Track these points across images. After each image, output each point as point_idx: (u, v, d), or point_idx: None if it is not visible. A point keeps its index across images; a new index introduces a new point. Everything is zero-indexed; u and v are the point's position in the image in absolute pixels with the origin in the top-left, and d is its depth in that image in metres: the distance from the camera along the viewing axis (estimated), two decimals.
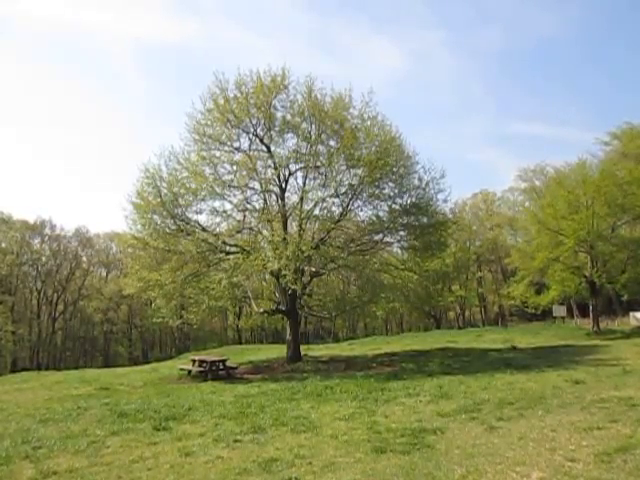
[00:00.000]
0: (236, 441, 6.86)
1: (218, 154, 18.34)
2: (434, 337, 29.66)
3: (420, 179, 18.96)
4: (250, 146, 18.51)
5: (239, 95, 17.69)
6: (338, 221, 18.39)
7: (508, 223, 49.38)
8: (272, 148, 18.54)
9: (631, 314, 32.91)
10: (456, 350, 20.19)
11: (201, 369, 15.61)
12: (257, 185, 18.33)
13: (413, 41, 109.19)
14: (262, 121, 17.98)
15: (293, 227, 19.99)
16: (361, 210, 19.28)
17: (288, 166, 18.45)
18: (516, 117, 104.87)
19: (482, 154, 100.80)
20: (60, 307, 54.59)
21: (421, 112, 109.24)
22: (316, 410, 8.89)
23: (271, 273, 17.83)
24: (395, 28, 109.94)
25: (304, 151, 18.12)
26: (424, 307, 39.77)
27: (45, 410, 10.24)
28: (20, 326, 48.66)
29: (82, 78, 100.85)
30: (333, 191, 17.72)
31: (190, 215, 17.98)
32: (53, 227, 54.94)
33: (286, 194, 18.77)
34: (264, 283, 23.15)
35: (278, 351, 23.58)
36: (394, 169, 18.11)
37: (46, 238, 54.69)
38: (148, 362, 35.49)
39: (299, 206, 17.84)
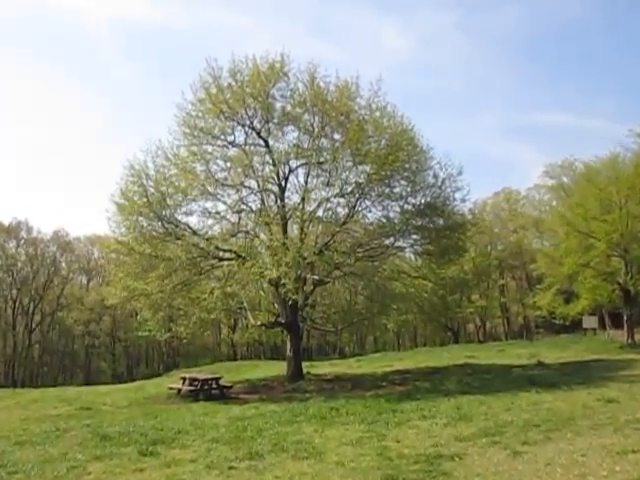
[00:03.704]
0: (231, 468, 6.85)
1: (210, 149, 18.35)
2: (451, 352, 29.56)
3: (435, 176, 18.92)
4: (246, 140, 18.50)
5: (233, 84, 17.67)
6: (344, 223, 18.36)
7: (533, 225, 49.13)
8: (270, 142, 18.51)
9: None
10: (476, 367, 20.14)
11: (192, 388, 15.56)
12: (254, 184, 18.29)
13: (424, 24, 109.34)
14: (259, 112, 17.97)
15: (294, 230, 20.07)
16: (369, 211, 19.29)
17: (288, 162, 18.40)
18: (540, 107, 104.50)
19: (503, 148, 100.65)
20: (37, 318, 54.72)
21: (434, 102, 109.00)
22: (320, 434, 8.88)
23: (269, 282, 17.79)
24: (404, 10, 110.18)
25: (306, 145, 18.09)
26: (440, 319, 40.01)
27: (21, 431, 10.28)
28: None
29: (49, 64, 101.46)
30: (338, 190, 17.77)
31: (179, 217, 18.01)
32: (29, 230, 55.26)
33: (286, 194, 18.74)
34: (262, 293, 23.06)
35: (277, 368, 23.57)
36: (406, 165, 18.03)
37: (22, 242, 55.01)
38: (133, 380, 35.36)
39: (300, 207, 17.85)
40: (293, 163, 18.60)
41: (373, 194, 18.43)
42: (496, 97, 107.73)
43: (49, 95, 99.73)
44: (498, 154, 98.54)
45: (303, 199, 17.79)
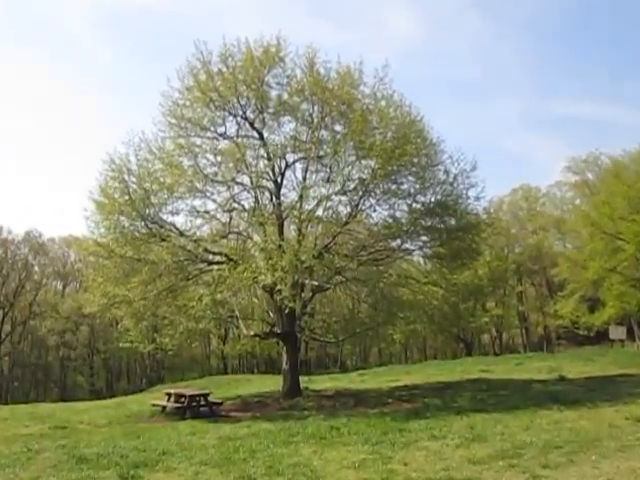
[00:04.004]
0: None
1: (199, 142, 18.31)
2: (464, 366, 29.47)
3: (447, 172, 18.84)
4: (238, 132, 18.49)
5: (224, 69, 17.67)
6: (346, 224, 18.31)
7: (555, 225, 49.41)
8: (265, 134, 18.49)
9: None
10: (491, 382, 20.15)
11: (178, 405, 15.56)
12: (246, 180, 18.26)
13: (436, 4, 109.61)
14: (253, 101, 17.95)
15: (291, 231, 19.95)
16: (374, 210, 19.16)
17: (284, 156, 18.39)
18: (563, 96, 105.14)
19: (521, 140, 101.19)
20: (7, 327, 54.81)
21: (445, 90, 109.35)
22: (319, 456, 8.88)
23: (264, 288, 17.75)
24: None
25: (304, 138, 18.05)
26: (452, 329, 39.73)
27: None
28: None
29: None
30: (340, 187, 17.65)
31: (165, 216, 18.01)
32: None
33: (282, 191, 18.73)
34: (255, 300, 23.24)
35: (272, 383, 23.52)
36: (414, 159, 17.98)
37: None
38: (113, 396, 35.34)
39: (298, 205, 17.79)
40: (290, 157, 18.58)
41: (378, 191, 18.37)
42: (514, 85, 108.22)
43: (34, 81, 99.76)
44: (516, 147, 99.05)
45: (301, 197, 17.70)
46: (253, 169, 18.02)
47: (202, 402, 15.58)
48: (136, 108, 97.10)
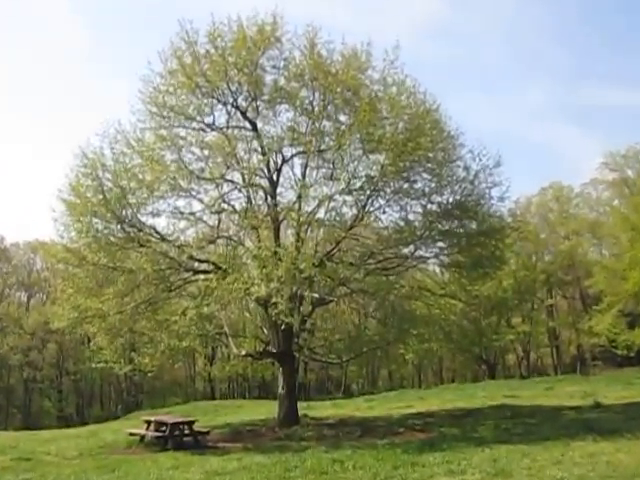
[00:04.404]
0: None
1: (183, 133, 18.27)
2: (486, 390, 29.51)
3: (467, 168, 18.76)
4: (228, 122, 18.47)
5: (213, 51, 17.62)
6: (351, 227, 18.30)
7: (589, 230, 49.26)
8: (259, 125, 18.48)
9: None
10: (517, 408, 20.10)
11: (159, 434, 15.54)
12: (238, 177, 18.31)
13: None
14: (245, 87, 17.94)
15: (288, 236, 20.02)
16: (383, 212, 19.07)
17: (281, 150, 18.35)
18: (599, 83, 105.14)
19: (551, 131, 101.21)
20: None
21: (463, 74, 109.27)
22: None
23: (257, 301, 17.72)
24: None
25: (303, 129, 18.02)
26: (472, 348, 39.90)
27: None
28: None
29: None
30: (344, 185, 17.52)
31: (144, 218, 17.95)
32: None
33: (278, 190, 18.72)
34: (247, 315, 23.38)
35: (266, 410, 23.52)
36: (430, 154, 17.89)
37: None
38: (85, 423, 35.32)
39: (296, 206, 17.75)
40: (287, 151, 18.55)
41: (388, 190, 18.30)
42: (545, 70, 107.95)
43: None
44: (545, 139, 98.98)
45: (300, 196, 17.66)
46: (245, 165, 17.94)
47: (186, 431, 15.53)
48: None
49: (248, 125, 18.55)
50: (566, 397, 23.29)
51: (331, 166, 17.91)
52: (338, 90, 17.43)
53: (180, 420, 16.10)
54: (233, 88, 18.02)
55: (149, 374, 21.44)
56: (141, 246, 17.38)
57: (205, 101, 18.15)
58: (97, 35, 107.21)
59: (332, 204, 17.76)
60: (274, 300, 15.40)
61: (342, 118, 18.11)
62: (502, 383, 35.92)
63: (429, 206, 18.92)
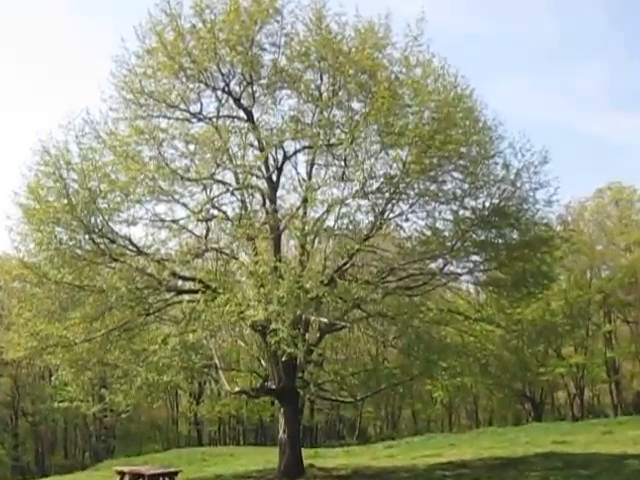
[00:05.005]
0: None
1: (165, 124, 17.70)
2: (531, 435, 28.51)
3: (506, 166, 17.82)
4: (219, 111, 17.91)
5: (200, 25, 16.76)
6: (367, 238, 17.47)
7: None
8: (255, 114, 17.84)
9: None
10: (569, 457, 19.05)
11: None
12: (230, 177, 17.83)
13: None
14: (239, 69, 17.29)
15: (291, 248, 20.03)
16: (406, 219, 18.34)
17: (282, 145, 17.81)
18: None
19: (609, 122, 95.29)
20: None
21: (501, 54, 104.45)
22: None
23: (253, 327, 17.02)
24: None
25: (309, 119, 17.51)
26: (514, 384, 38.43)
27: None
28: None
29: None
30: (359, 187, 16.68)
31: (117, 227, 17.24)
32: None
33: (279, 192, 18.29)
34: (241, 344, 22.45)
35: (265, 459, 22.96)
36: (462, 149, 16.99)
37: None
38: (45, 475, 34.44)
39: (300, 212, 17.36)
40: (290, 146, 18.05)
41: (412, 193, 17.60)
42: (595, 48, 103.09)
43: None
44: (602, 131, 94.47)
45: (305, 201, 16.94)
46: (239, 162, 17.31)
47: None
48: None
49: (242, 114, 17.97)
50: (629, 443, 22.27)
51: (343, 164, 17.20)
52: (351, 72, 16.78)
53: (160, 471, 16.50)
54: (224, 70, 17.37)
55: (123, 415, 20.98)
56: (114, 260, 16.85)
57: (191, 86, 17.58)
58: None
59: (344, 209, 17.20)
60: (274, 326, 14.92)
61: (356, 106, 17.49)
62: (550, 426, 34.99)
63: (461, 212, 18.25)
